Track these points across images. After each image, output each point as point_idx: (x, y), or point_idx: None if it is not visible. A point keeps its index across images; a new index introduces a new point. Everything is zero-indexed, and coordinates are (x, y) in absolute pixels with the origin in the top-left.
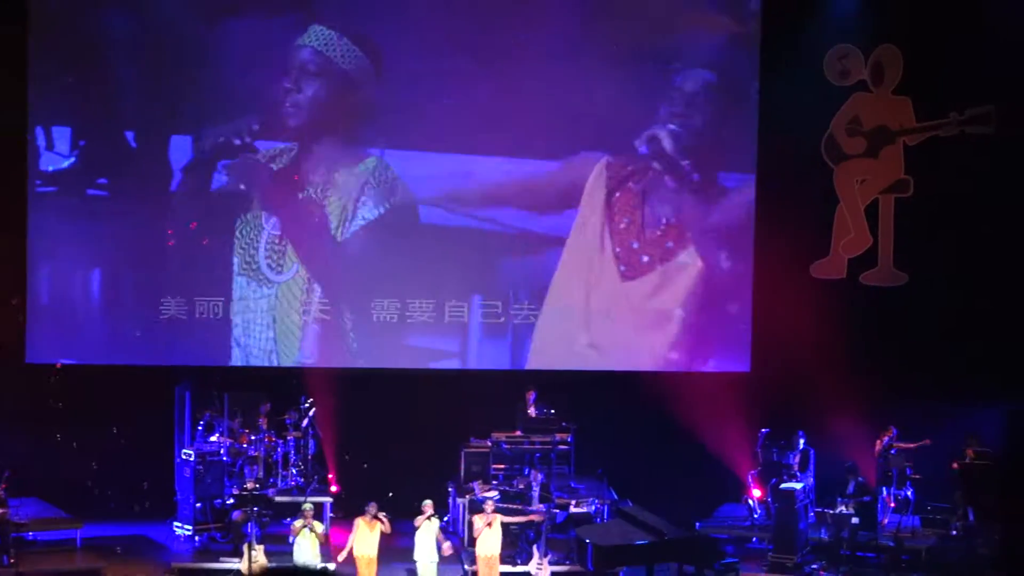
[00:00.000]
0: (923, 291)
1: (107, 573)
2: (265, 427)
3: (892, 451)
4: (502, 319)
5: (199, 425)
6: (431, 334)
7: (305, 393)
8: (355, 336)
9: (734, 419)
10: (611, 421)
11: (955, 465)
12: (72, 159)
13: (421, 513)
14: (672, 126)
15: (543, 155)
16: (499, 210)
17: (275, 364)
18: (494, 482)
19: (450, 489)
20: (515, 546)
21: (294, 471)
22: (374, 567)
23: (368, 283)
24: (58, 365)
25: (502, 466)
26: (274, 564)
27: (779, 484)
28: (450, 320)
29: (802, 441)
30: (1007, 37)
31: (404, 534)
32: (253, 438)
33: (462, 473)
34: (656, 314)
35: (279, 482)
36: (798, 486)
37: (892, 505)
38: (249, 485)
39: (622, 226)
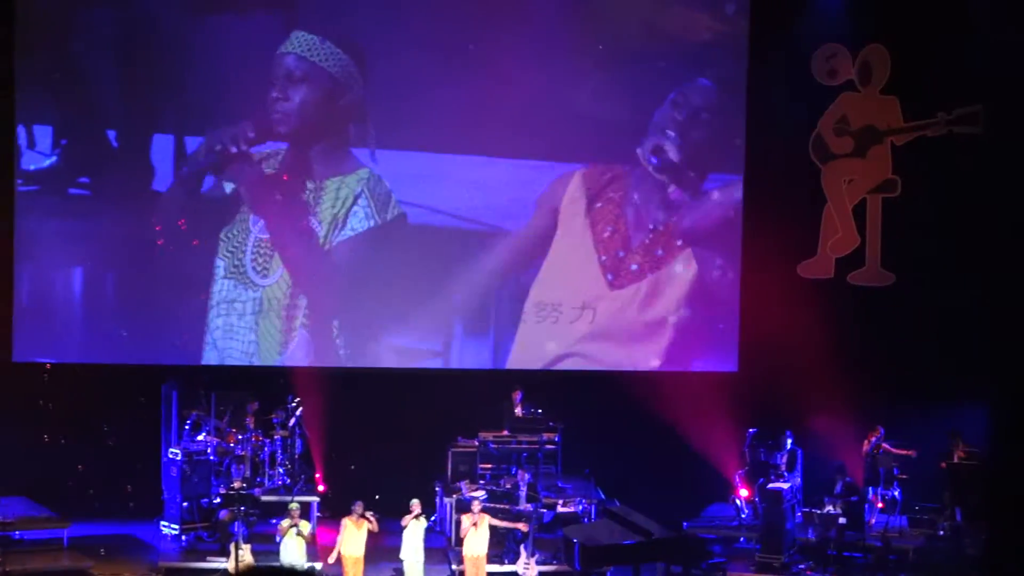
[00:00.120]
0: (910, 291)
1: (94, 572)
2: (252, 426)
3: (880, 451)
4: (487, 320)
5: (186, 424)
6: (414, 334)
7: (292, 393)
8: (339, 336)
9: (722, 419)
10: (598, 421)
11: (943, 464)
12: (54, 158)
13: (408, 512)
14: (669, 131)
15: (528, 156)
16: (483, 210)
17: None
18: (481, 482)
19: (437, 489)
20: (502, 546)
21: (281, 470)
22: (361, 566)
23: (353, 285)
24: (48, 365)
25: (489, 466)
26: (261, 563)
27: (766, 484)
28: (434, 320)
29: (789, 441)
30: (995, 37)
31: (391, 533)
32: (240, 437)
33: (449, 473)
34: (646, 319)
35: (266, 481)
36: (785, 486)
37: (879, 505)
38: (236, 484)
39: (606, 235)
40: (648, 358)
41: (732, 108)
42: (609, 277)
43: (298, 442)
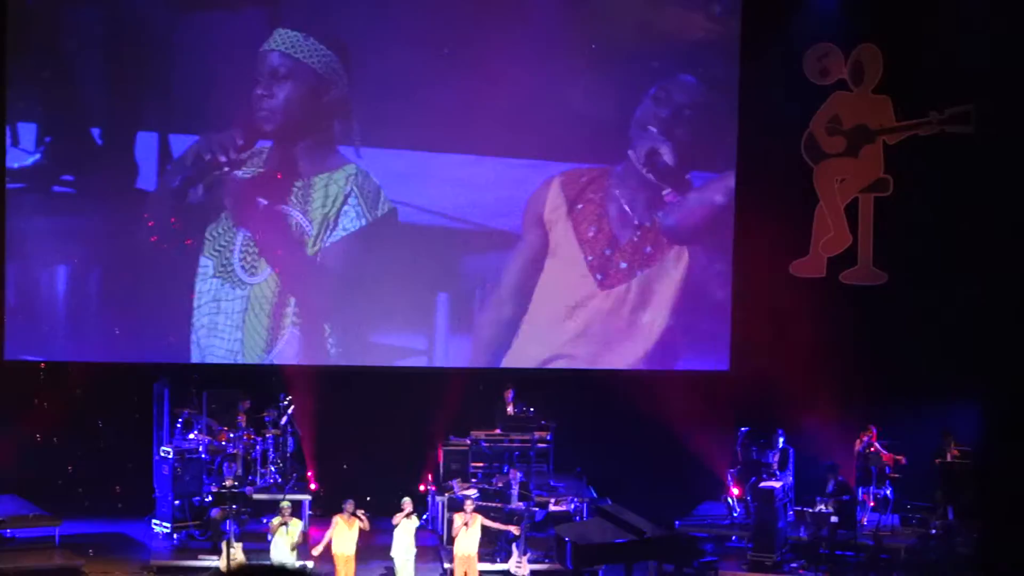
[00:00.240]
0: (903, 290)
1: (86, 570)
2: (244, 424)
3: (871, 450)
4: (474, 318)
5: (177, 422)
6: (405, 332)
7: (284, 391)
8: (330, 335)
9: (713, 418)
10: (590, 420)
11: (938, 461)
12: (37, 155)
13: (400, 510)
14: (665, 134)
15: (515, 155)
16: (470, 209)
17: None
18: (473, 480)
19: (452, 486)
20: (494, 544)
21: (273, 469)
22: (352, 565)
23: (346, 284)
24: (42, 365)
25: (481, 464)
26: (253, 562)
27: (758, 483)
28: (424, 319)
29: (781, 440)
30: (987, 36)
31: (383, 531)
32: (232, 435)
33: (441, 471)
34: (638, 318)
35: (258, 480)
36: (777, 485)
37: (871, 504)
38: (228, 483)
39: (590, 235)
40: (640, 357)
41: (724, 107)
42: (598, 277)
43: (290, 440)
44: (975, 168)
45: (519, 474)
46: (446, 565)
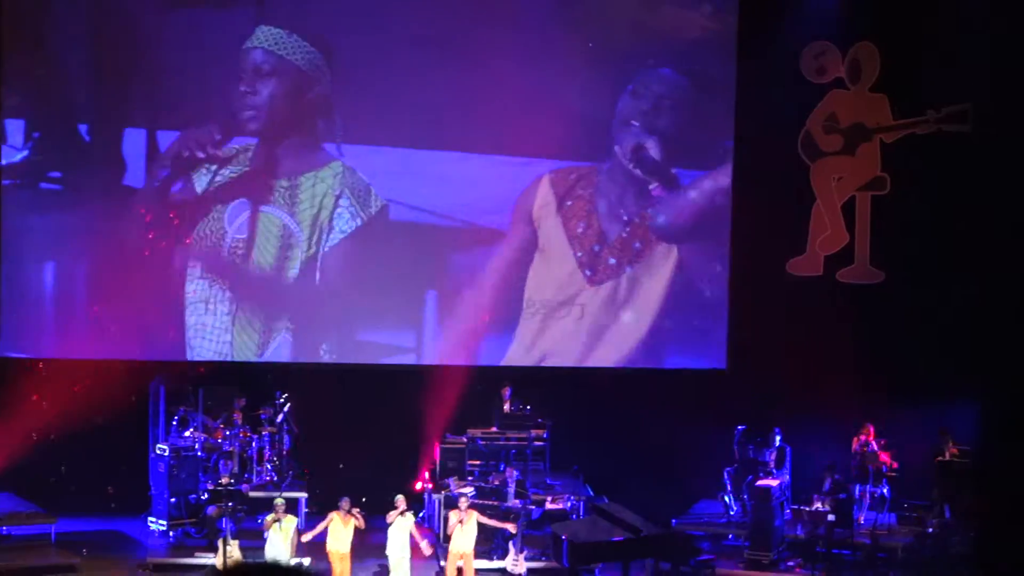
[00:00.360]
0: (900, 288)
1: (82, 568)
2: (240, 422)
3: (868, 448)
4: (463, 315)
5: (173, 420)
6: (397, 330)
7: (280, 389)
8: (324, 334)
9: (710, 416)
10: (587, 418)
11: (936, 460)
12: (25, 152)
13: (394, 508)
14: (648, 129)
15: (501, 152)
16: (458, 206)
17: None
18: (469, 478)
19: (426, 485)
20: (491, 542)
21: (269, 466)
22: (347, 563)
23: (344, 285)
24: (40, 364)
25: (478, 462)
26: (248, 559)
27: (755, 481)
28: (414, 316)
29: (778, 438)
30: (984, 35)
31: (378, 530)
32: (228, 433)
33: (437, 469)
34: (629, 314)
35: (254, 477)
36: (774, 483)
37: (868, 502)
38: (224, 480)
39: (579, 231)
40: (631, 354)
41: (721, 105)
42: (587, 273)
43: (286, 438)
44: (972, 167)
45: (515, 472)
46: (442, 563)
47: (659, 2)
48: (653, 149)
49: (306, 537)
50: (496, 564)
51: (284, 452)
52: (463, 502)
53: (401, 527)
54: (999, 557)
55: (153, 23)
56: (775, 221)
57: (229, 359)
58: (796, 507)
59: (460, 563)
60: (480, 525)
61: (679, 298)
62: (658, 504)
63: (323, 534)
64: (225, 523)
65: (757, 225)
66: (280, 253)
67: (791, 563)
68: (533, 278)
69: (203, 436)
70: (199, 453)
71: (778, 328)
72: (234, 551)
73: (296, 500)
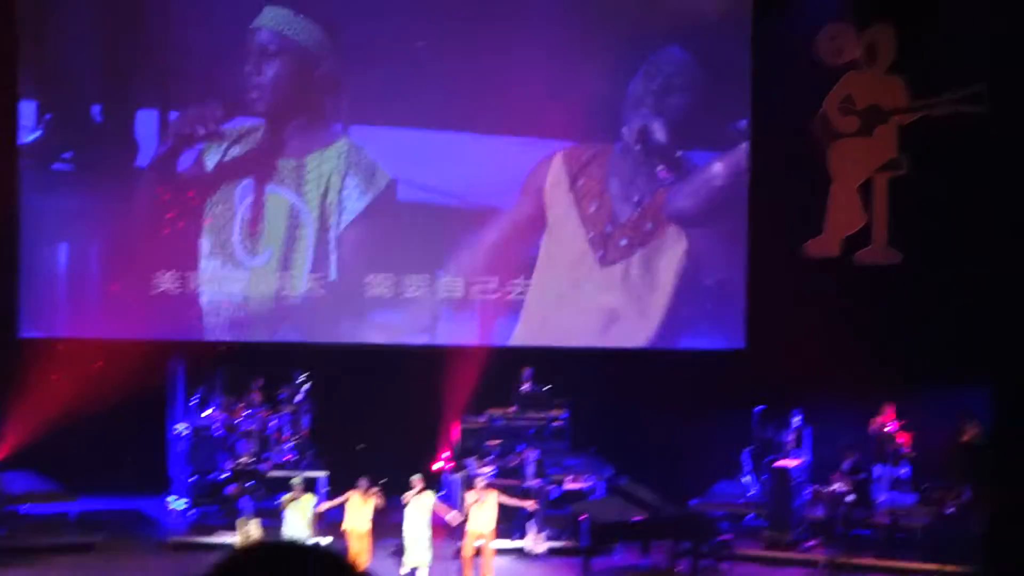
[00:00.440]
0: (917, 269)
1: (101, 547)
2: (259, 402)
3: (888, 429)
4: (487, 295)
5: (192, 399)
6: (405, 310)
7: (299, 368)
8: (340, 313)
9: (729, 396)
10: (606, 398)
11: (956, 441)
12: (39, 133)
13: (410, 488)
14: (658, 110)
15: (512, 132)
16: (467, 186)
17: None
18: (488, 458)
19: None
20: (510, 522)
21: (288, 446)
22: (366, 542)
23: (359, 264)
24: (59, 344)
25: (497, 442)
26: (268, 538)
27: (774, 462)
28: (428, 297)
29: (797, 419)
30: (1000, 16)
31: (397, 509)
32: (247, 413)
33: (457, 449)
34: (644, 295)
35: (273, 456)
36: (793, 464)
37: (887, 483)
38: (243, 460)
39: (591, 211)
40: (648, 335)
41: (737, 86)
42: (599, 253)
43: (304, 418)
44: (989, 148)
45: (535, 452)
46: (459, 543)
47: None
48: (659, 131)
49: (322, 507)
50: (516, 544)
51: (303, 431)
52: (479, 482)
53: (418, 507)
54: (1018, 538)
55: (161, 3)
56: (792, 202)
57: (246, 339)
58: (815, 488)
59: (477, 542)
60: (500, 505)
61: (692, 280)
62: (677, 484)
63: (341, 513)
64: (245, 502)
65: (774, 206)
66: (288, 233)
67: (810, 543)
68: (543, 257)
69: (222, 415)
70: (218, 433)
71: (796, 310)
72: (253, 530)
73: (315, 480)
